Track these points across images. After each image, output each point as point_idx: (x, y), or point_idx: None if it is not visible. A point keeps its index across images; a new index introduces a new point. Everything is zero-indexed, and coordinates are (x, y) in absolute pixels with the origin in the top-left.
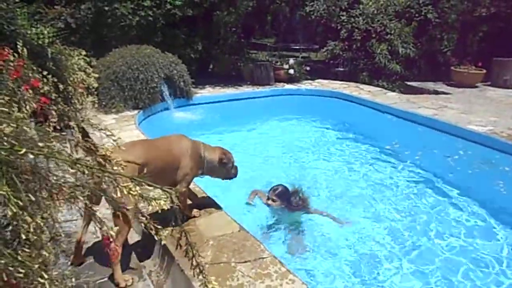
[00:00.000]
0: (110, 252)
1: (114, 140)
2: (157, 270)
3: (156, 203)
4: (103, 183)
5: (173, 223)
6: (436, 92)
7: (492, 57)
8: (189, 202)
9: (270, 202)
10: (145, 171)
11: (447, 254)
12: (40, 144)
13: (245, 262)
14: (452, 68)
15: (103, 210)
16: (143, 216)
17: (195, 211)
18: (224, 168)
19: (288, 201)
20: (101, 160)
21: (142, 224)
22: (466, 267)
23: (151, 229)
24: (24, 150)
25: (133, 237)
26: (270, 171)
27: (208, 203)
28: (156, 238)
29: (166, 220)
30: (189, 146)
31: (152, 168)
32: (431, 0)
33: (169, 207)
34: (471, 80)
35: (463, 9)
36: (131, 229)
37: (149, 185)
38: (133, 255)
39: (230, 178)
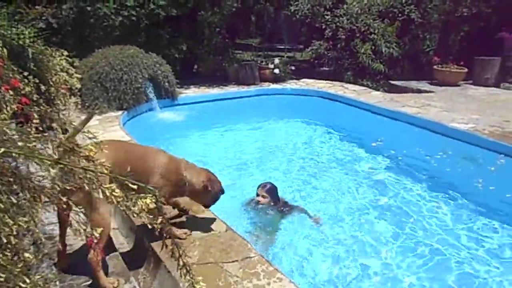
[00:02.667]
0: (91, 261)
1: (96, 143)
2: (144, 272)
3: (143, 201)
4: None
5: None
6: (419, 91)
7: (474, 56)
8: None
9: (259, 199)
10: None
11: (428, 247)
12: (20, 144)
13: (233, 261)
14: (435, 67)
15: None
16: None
17: (181, 232)
18: (209, 195)
19: (277, 198)
20: (84, 160)
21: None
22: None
23: (135, 213)
24: (2, 149)
25: (120, 239)
26: (255, 171)
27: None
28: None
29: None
30: (162, 163)
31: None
32: (413, 0)
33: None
34: (454, 79)
35: (445, 9)
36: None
37: (132, 184)
38: (119, 257)
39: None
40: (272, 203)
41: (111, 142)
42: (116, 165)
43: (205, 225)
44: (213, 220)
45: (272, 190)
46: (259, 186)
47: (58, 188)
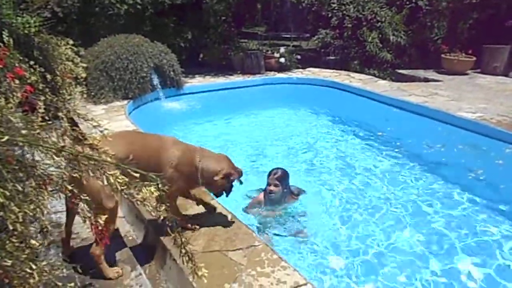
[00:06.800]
0: (93, 254)
1: (101, 131)
2: (150, 259)
3: (147, 189)
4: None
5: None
6: (427, 80)
7: (482, 44)
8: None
9: (272, 188)
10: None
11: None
12: (24, 132)
13: (237, 250)
14: (443, 55)
15: None
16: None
17: (193, 225)
18: (228, 183)
19: (288, 187)
20: (88, 149)
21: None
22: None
23: (139, 201)
24: (6, 137)
25: (126, 227)
26: (261, 161)
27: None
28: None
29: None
30: (176, 156)
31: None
32: None
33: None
34: (461, 68)
35: None
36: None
37: (135, 172)
38: (124, 245)
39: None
40: (284, 190)
41: (119, 133)
42: (128, 155)
43: (210, 213)
44: (218, 209)
45: (283, 177)
46: (269, 174)
47: (65, 177)
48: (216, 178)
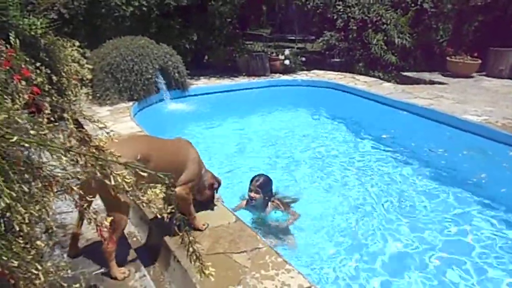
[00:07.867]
0: (104, 250)
1: (107, 133)
2: (154, 261)
3: (152, 191)
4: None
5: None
6: (432, 82)
7: (488, 47)
8: None
9: (253, 194)
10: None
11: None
12: (32, 133)
13: (242, 252)
14: (448, 58)
15: (98, 201)
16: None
17: (203, 224)
18: (210, 192)
19: (271, 193)
20: (94, 150)
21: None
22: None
23: (144, 202)
24: (15, 137)
25: (130, 228)
26: (264, 163)
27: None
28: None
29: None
30: (196, 153)
31: (152, 167)
32: None
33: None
34: (467, 70)
35: None
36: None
37: (142, 171)
38: (129, 246)
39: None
40: (266, 198)
41: (132, 136)
42: (148, 158)
43: (214, 216)
44: (222, 211)
45: (264, 184)
46: (251, 180)
47: (71, 179)
48: (205, 186)
